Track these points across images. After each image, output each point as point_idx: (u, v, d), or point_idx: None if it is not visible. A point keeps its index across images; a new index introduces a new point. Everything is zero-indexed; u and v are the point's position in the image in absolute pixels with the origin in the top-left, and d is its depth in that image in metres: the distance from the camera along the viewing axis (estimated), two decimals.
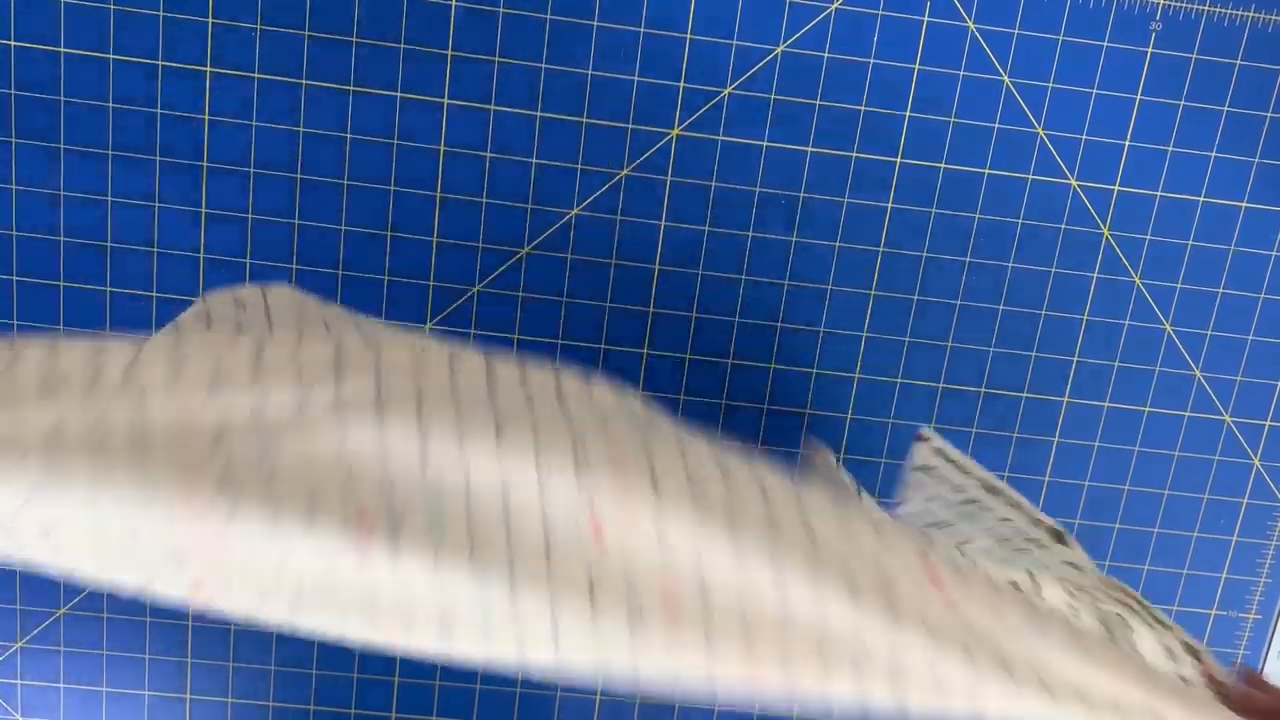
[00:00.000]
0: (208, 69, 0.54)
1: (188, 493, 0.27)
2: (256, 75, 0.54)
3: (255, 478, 0.28)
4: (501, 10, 0.54)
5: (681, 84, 0.55)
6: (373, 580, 0.28)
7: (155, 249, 0.56)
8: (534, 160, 0.56)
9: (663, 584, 0.29)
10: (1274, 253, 0.59)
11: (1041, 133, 0.56)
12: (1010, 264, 0.58)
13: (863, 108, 0.56)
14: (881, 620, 0.31)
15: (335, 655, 0.61)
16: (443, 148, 0.55)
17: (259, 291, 0.38)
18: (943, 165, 0.57)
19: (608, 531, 0.30)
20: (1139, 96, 0.56)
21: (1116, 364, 0.60)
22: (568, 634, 0.29)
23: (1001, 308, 0.59)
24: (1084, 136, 0.57)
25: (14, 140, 0.54)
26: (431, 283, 0.57)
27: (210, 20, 0.53)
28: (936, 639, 0.30)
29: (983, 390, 0.60)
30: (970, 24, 0.55)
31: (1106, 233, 0.58)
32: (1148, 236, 0.58)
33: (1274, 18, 0.55)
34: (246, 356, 0.30)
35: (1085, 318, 0.59)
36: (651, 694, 0.63)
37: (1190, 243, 0.58)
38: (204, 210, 0.56)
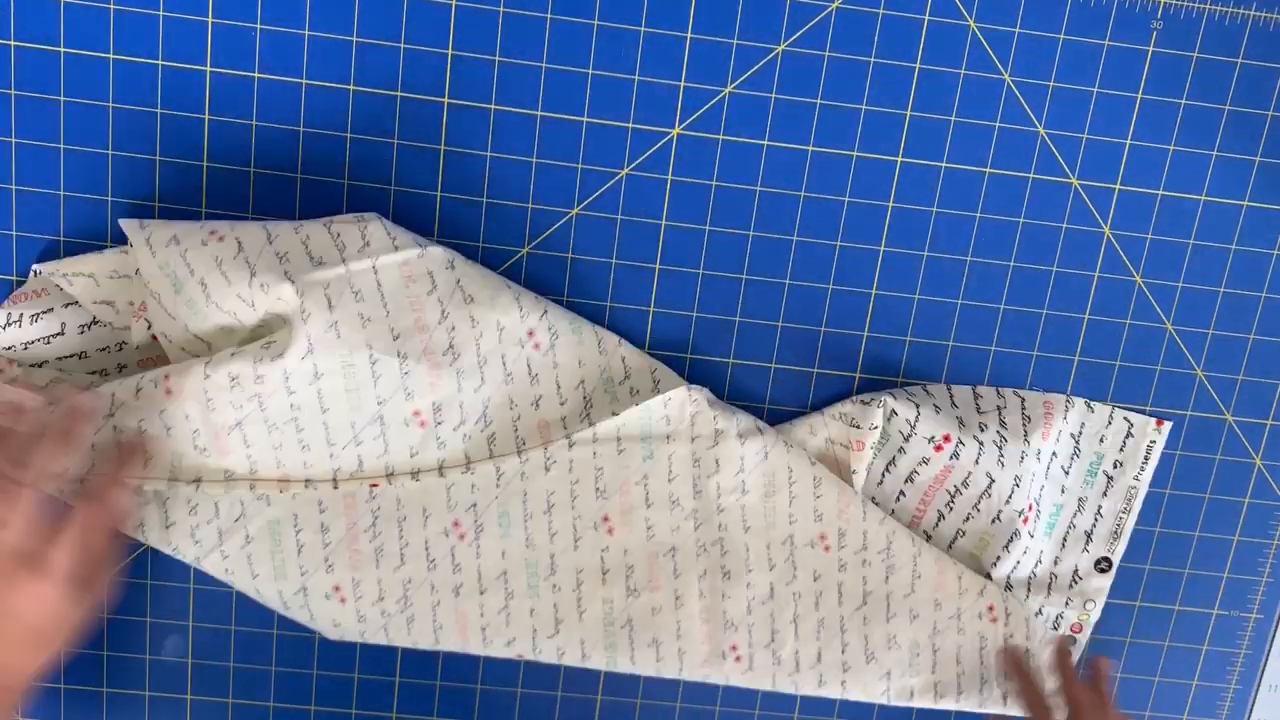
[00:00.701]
0: (208, 69, 0.54)
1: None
2: (256, 75, 0.54)
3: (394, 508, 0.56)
4: (501, 10, 0.54)
5: (681, 84, 0.55)
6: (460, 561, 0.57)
7: None
8: (534, 160, 0.56)
9: None
10: (1275, 252, 0.59)
11: (1042, 132, 0.56)
12: (1011, 263, 0.58)
13: (863, 107, 0.56)
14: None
15: (335, 655, 0.61)
16: (442, 147, 0.55)
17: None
18: (943, 165, 0.57)
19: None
20: (1140, 95, 0.56)
21: (1118, 363, 0.60)
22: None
23: (1002, 307, 0.59)
24: (1085, 135, 0.56)
25: (14, 140, 0.54)
26: None
27: (210, 20, 0.53)
28: None
29: None
30: (971, 23, 0.55)
31: (1108, 232, 0.58)
32: (1149, 235, 0.58)
33: (1275, 16, 0.55)
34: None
35: (1086, 317, 0.59)
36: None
37: (1191, 242, 0.58)
38: (204, 210, 0.55)
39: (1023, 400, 0.59)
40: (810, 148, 0.56)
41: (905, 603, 0.58)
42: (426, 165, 0.55)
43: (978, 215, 0.57)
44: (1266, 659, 0.64)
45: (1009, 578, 0.60)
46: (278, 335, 0.51)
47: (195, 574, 0.60)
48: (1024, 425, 0.58)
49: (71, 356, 0.55)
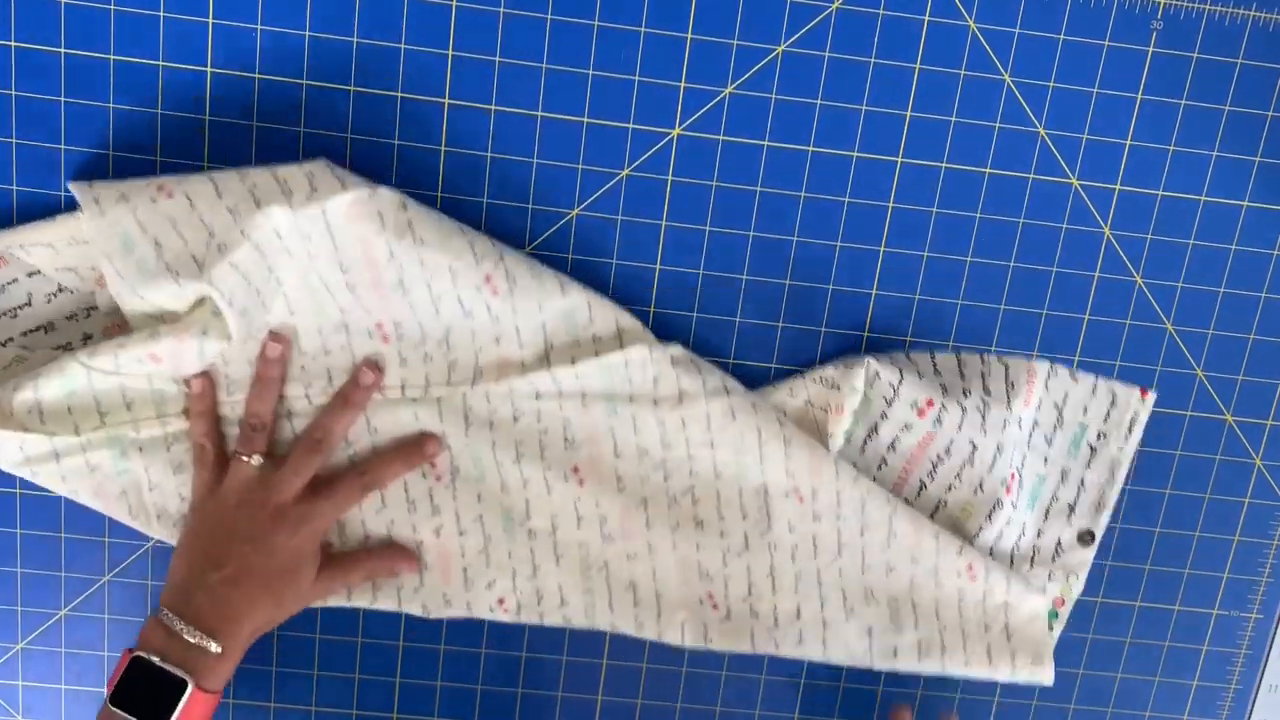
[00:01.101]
0: (208, 69, 0.54)
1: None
2: (257, 75, 0.54)
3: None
4: (501, 10, 0.54)
5: (682, 84, 0.55)
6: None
7: None
8: (534, 160, 0.56)
9: None
10: (1275, 252, 0.59)
11: (1042, 132, 0.56)
12: (1011, 263, 0.58)
13: (863, 108, 0.56)
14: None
15: (336, 655, 0.61)
16: (443, 148, 0.55)
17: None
18: (943, 165, 0.57)
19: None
20: (1140, 96, 0.56)
21: (1118, 363, 0.60)
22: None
23: (1003, 307, 0.59)
24: (1085, 136, 0.56)
25: (14, 141, 0.54)
26: None
27: (210, 20, 0.53)
28: None
29: None
30: (971, 23, 0.55)
31: (1108, 232, 0.58)
32: (1149, 236, 0.58)
33: (1275, 17, 0.55)
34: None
35: (1087, 317, 0.59)
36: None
37: (1191, 242, 0.58)
38: None
39: (1006, 366, 0.58)
40: (810, 148, 0.56)
41: (881, 556, 0.58)
42: (426, 165, 0.55)
43: (978, 215, 0.57)
44: (1266, 659, 0.64)
45: (992, 549, 0.59)
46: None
47: None
48: (1007, 391, 0.57)
49: (38, 330, 0.55)
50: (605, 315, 0.55)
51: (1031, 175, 0.57)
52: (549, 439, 0.56)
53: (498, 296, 0.53)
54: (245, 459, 0.53)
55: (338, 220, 0.52)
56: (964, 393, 0.57)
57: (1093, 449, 0.60)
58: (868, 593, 0.58)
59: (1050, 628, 0.61)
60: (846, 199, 0.57)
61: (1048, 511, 0.61)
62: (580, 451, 0.57)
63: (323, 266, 0.53)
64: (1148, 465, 0.61)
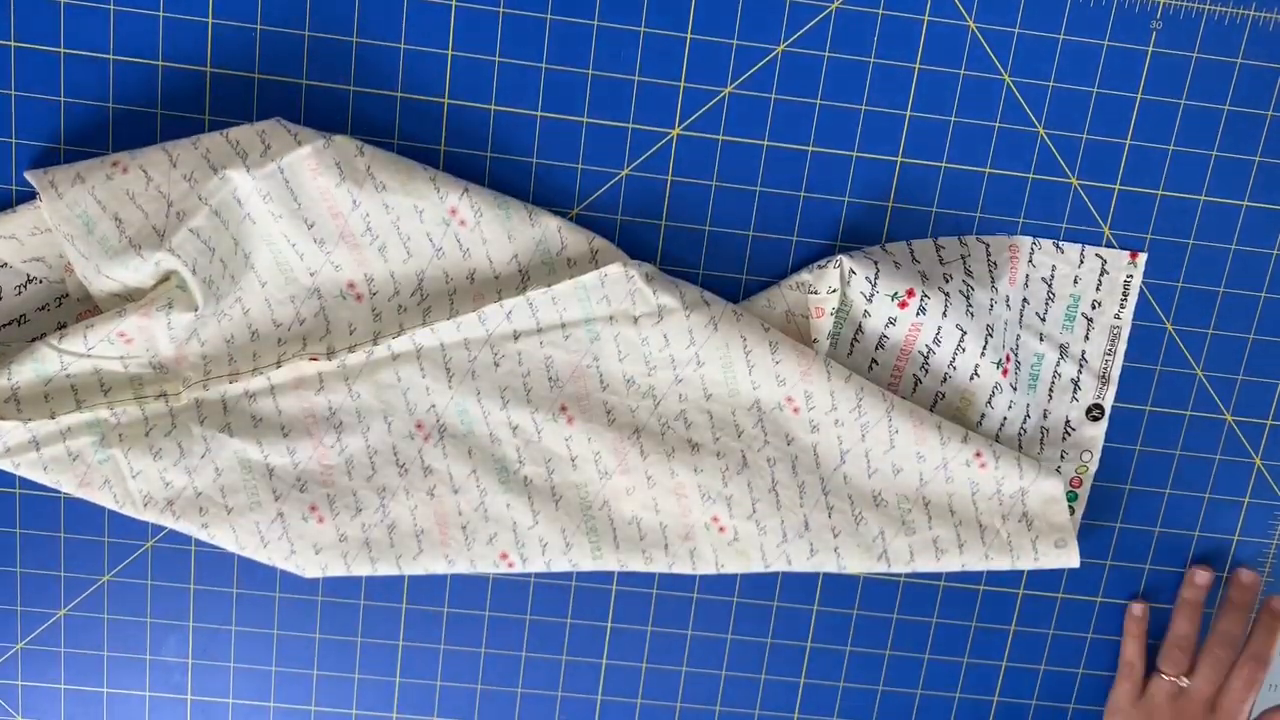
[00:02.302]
0: (208, 69, 0.54)
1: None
2: (256, 75, 0.54)
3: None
4: (501, 10, 0.54)
5: (682, 84, 0.55)
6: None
7: None
8: (534, 160, 0.56)
9: None
10: (1275, 251, 0.59)
11: (1042, 132, 0.56)
12: None
13: (863, 107, 0.56)
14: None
15: (335, 655, 0.61)
16: (443, 148, 0.55)
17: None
18: (943, 165, 0.57)
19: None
20: (1140, 95, 0.56)
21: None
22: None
23: None
24: (1085, 135, 0.56)
25: (14, 141, 0.54)
26: None
27: (210, 20, 0.53)
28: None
29: None
30: (970, 23, 0.55)
31: (1108, 232, 0.58)
32: (1148, 235, 0.58)
33: (1275, 16, 0.55)
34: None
35: None
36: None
37: (1191, 242, 0.58)
38: None
39: (987, 246, 0.57)
40: (810, 148, 0.56)
41: (886, 458, 0.57)
42: (426, 165, 0.55)
43: (977, 215, 0.57)
44: None
45: (998, 435, 0.58)
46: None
47: (195, 574, 0.60)
48: (990, 272, 0.56)
49: (10, 324, 0.55)
50: (577, 238, 0.55)
51: (1031, 175, 0.57)
52: (533, 380, 0.56)
53: (466, 228, 0.54)
54: (1170, 678, 0.60)
55: (296, 177, 0.52)
56: (945, 278, 0.56)
57: (1089, 319, 0.58)
58: (876, 496, 0.57)
59: (1071, 510, 0.60)
60: (846, 199, 0.57)
61: (1051, 390, 0.59)
62: (566, 389, 0.56)
63: (288, 226, 0.53)
64: (1148, 465, 0.61)
